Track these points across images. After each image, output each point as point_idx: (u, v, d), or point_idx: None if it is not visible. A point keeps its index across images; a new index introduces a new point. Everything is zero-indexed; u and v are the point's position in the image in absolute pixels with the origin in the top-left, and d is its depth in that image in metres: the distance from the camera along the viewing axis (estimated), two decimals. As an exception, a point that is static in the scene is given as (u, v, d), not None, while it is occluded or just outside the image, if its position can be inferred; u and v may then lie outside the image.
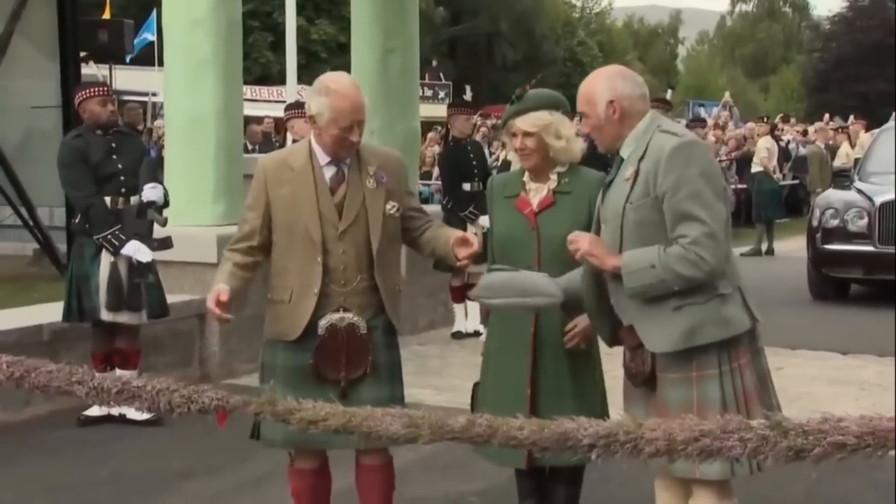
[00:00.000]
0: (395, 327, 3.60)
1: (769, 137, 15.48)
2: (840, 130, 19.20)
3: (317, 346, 3.46)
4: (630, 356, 3.25)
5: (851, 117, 22.38)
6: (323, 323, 3.46)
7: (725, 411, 2.89)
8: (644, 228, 3.10)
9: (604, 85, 3.21)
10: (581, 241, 3.19)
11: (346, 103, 3.38)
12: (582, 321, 3.55)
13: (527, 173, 3.69)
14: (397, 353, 3.64)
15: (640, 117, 3.19)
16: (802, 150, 18.92)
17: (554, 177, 3.66)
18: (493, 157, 14.30)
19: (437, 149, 17.03)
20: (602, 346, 3.63)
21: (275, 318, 3.57)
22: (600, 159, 9.43)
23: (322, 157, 3.52)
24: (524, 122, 3.59)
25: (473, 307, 8.44)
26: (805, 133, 20.53)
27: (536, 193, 3.66)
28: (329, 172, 3.51)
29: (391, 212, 3.52)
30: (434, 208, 10.06)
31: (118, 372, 5.64)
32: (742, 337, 3.13)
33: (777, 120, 21.94)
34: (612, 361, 3.90)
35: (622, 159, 3.21)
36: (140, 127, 14.76)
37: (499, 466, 3.87)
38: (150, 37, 22.21)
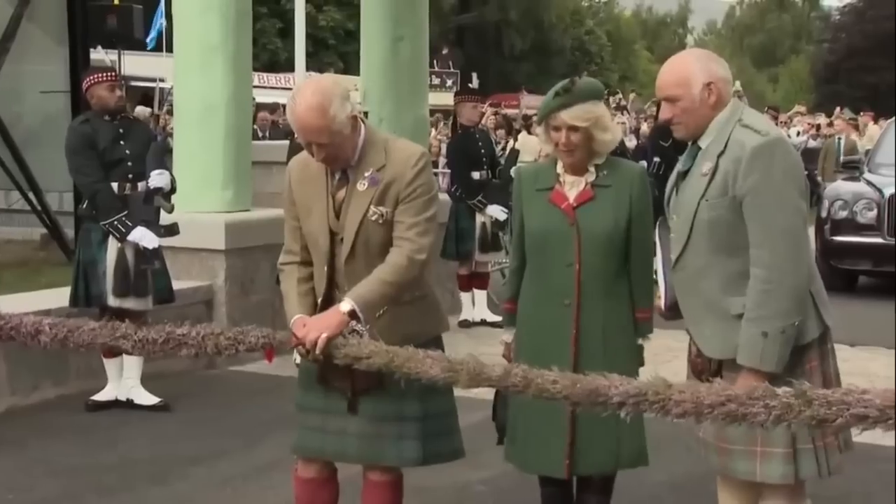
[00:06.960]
0: (426, 341, 3.27)
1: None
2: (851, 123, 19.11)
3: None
4: (696, 351, 3.12)
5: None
6: None
7: None
8: (716, 227, 2.97)
9: (698, 66, 3.04)
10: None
11: (296, 125, 3.18)
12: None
13: (560, 165, 3.50)
14: None
15: (725, 105, 3.06)
16: (812, 143, 18.85)
17: (592, 169, 3.47)
18: (500, 146, 14.26)
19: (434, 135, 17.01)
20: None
21: None
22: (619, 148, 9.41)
23: None
24: (572, 116, 3.36)
25: (480, 296, 8.44)
26: (818, 128, 20.36)
27: (573, 187, 3.47)
28: (336, 175, 3.28)
29: (372, 218, 3.19)
30: (441, 197, 10.06)
31: (125, 357, 5.66)
32: (812, 341, 3.03)
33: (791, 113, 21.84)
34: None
35: (698, 148, 3.06)
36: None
37: (538, 475, 3.67)
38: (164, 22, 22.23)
